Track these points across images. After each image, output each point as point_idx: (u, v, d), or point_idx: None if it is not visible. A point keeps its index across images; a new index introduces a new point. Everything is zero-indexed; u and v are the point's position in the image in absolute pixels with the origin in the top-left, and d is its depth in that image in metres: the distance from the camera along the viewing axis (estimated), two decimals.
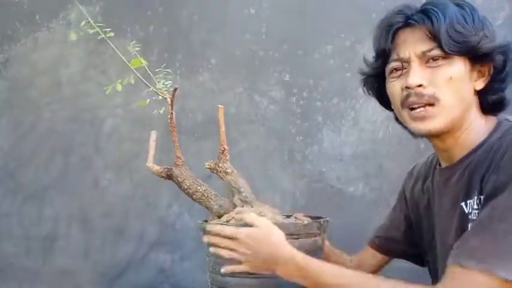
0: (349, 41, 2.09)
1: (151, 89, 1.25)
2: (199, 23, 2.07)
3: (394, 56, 1.03)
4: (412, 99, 0.99)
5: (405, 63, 1.01)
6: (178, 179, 1.32)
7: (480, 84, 1.00)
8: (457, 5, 1.00)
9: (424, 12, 0.99)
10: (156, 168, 1.34)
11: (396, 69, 1.03)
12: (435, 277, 1.13)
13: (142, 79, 1.24)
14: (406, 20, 1.01)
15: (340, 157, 2.08)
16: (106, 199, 2.12)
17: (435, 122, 0.98)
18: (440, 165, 1.10)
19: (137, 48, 1.18)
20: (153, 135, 1.38)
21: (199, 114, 2.09)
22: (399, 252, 1.32)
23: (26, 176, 2.14)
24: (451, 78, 0.97)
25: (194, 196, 1.30)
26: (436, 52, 0.97)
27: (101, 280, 2.11)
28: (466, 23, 0.97)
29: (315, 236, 1.16)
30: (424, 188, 1.17)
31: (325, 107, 2.09)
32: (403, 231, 1.29)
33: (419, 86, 0.98)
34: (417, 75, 0.98)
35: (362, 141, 2.08)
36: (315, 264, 1.01)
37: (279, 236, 1.05)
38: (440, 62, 0.97)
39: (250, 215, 1.10)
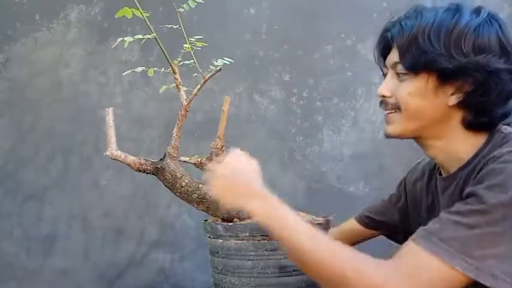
0: (350, 40, 2.09)
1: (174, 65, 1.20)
2: (199, 23, 2.07)
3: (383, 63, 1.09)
4: (382, 105, 1.06)
5: (385, 69, 1.06)
6: (177, 174, 1.20)
7: (453, 100, 0.97)
8: (447, 9, 0.98)
9: (399, 24, 1.01)
10: (132, 159, 1.19)
11: (384, 74, 1.08)
12: None
13: (170, 62, 1.23)
14: (385, 32, 1.05)
15: (340, 157, 2.08)
16: (106, 199, 2.12)
17: (393, 126, 1.04)
18: (441, 173, 1.11)
19: (147, 15, 1.15)
20: (110, 113, 1.22)
21: (199, 114, 2.09)
22: (389, 235, 1.36)
23: (26, 176, 2.14)
24: (409, 93, 0.99)
25: (193, 196, 1.22)
26: (399, 67, 1.00)
27: (100, 280, 2.11)
28: (438, 35, 0.95)
29: None
30: (429, 188, 1.17)
31: (325, 107, 2.09)
32: (399, 221, 1.30)
33: (383, 96, 1.04)
34: (385, 86, 1.04)
35: (362, 141, 2.08)
36: (291, 212, 0.96)
37: (257, 167, 1.01)
38: (403, 76, 1.00)
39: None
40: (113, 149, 1.20)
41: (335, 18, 2.11)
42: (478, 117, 0.98)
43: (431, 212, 1.13)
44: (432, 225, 0.90)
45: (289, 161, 2.09)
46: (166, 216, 2.11)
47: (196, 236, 2.09)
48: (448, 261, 0.85)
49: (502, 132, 0.99)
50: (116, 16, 1.15)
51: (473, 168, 0.97)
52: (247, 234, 1.15)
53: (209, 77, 1.23)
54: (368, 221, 1.36)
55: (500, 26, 0.99)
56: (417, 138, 1.05)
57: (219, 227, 1.19)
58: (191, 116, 2.12)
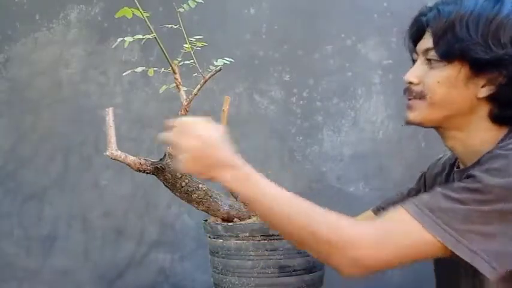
0: (350, 40, 2.09)
1: (176, 63, 1.19)
2: (199, 23, 2.07)
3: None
4: (407, 92, 1.03)
5: (415, 55, 1.03)
6: (177, 174, 1.19)
7: (483, 92, 0.95)
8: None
9: (436, 8, 0.97)
10: (132, 159, 1.19)
11: (413, 60, 1.05)
12: (441, 269, 1.14)
13: (169, 61, 1.23)
14: (418, 17, 1.02)
15: (340, 157, 2.08)
16: (106, 199, 2.12)
17: (415, 114, 1.01)
18: (458, 166, 1.10)
19: (147, 15, 1.15)
20: (110, 113, 1.22)
21: (199, 114, 2.08)
22: None
23: (26, 176, 2.14)
24: (438, 82, 0.97)
25: (194, 195, 1.21)
26: (432, 53, 0.97)
27: (100, 280, 2.11)
28: (477, 25, 0.92)
29: None
30: (447, 182, 1.14)
31: (325, 107, 2.09)
32: None
33: (410, 83, 1.01)
34: (412, 72, 1.01)
35: (362, 141, 2.08)
36: (263, 178, 0.95)
37: (224, 134, 0.98)
38: (434, 64, 0.98)
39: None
40: (113, 149, 1.20)
41: (335, 18, 2.11)
42: (505, 110, 0.96)
43: None
44: (423, 195, 0.92)
45: (289, 161, 2.09)
46: (166, 216, 2.11)
47: (196, 236, 2.08)
48: (428, 229, 0.86)
49: None
50: (116, 16, 1.15)
51: None
52: (247, 234, 1.15)
53: (209, 77, 1.23)
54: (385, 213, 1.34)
55: None
56: (438, 128, 1.03)
57: (219, 227, 1.19)
58: (191, 116, 2.12)
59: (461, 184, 0.89)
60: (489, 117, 0.98)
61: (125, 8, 1.13)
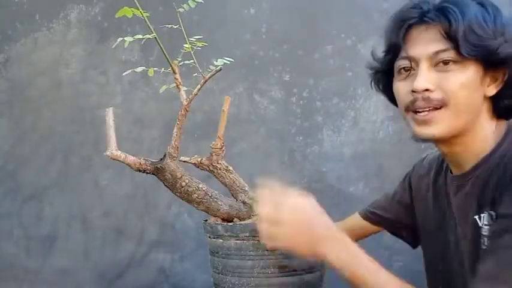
0: (350, 40, 2.09)
1: (178, 63, 1.19)
2: (199, 23, 2.07)
3: (403, 54, 0.96)
4: (419, 103, 0.94)
5: (414, 63, 0.95)
6: (177, 174, 1.19)
7: (492, 90, 0.94)
8: (479, 3, 0.93)
9: (442, 9, 0.92)
10: (132, 159, 1.18)
11: (404, 69, 0.97)
12: (432, 271, 1.14)
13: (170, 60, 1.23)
14: (422, 16, 0.94)
15: (340, 157, 2.08)
16: (106, 199, 2.12)
17: (440, 126, 0.93)
18: (451, 171, 1.06)
19: (147, 15, 1.15)
20: (110, 113, 1.21)
21: (199, 114, 2.09)
22: (394, 232, 1.33)
23: (26, 176, 2.14)
24: (462, 84, 0.91)
25: (194, 196, 1.20)
26: (449, 54, 0.91)
27: (100, 280, 2.11)
28: (487, 25, 0.90)
29: None
30: (436, 185, 1.13)
31: (325, 107, 2.09)
32: (404, 217, 1.28)
33: (427, 90, 0.92)
34: (425, 78, 0.92)
35: (362, 141, 2.08)
36: (358, 248, 0.94)
37: (316, 206, 0.98)
38: (451, 66, 0.92)
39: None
40: (112, 149, 1.19)
41: (335, 18, 2.11)
42: (507, 106, 0.96)
43: (442, 212, 1.10)
44: (489, 266, 0.87)
45: (289, 161, 2.09)
46: (166, 216, 2.11)
47: (196, 236, 2.09)
48: None
49: None
50: (116, 16, 1.15)
51: (497, 165, 0.93)
52: (247, 234, 1.15)
53: (209, 77, 1.22)
54: (373, 217, 1.33)
55: None
56: (451, 138, 0.96)
57: (219, 227, 1.19)
58: (191, 116, 2.12)
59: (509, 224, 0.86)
60: (493, 114, 0.97)
61: (125, 8, 1.13)
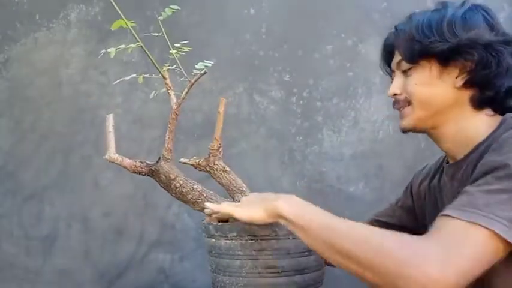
0: (350, 40, 2.09)
1: (165, 68, 1.21)
2: (198, 23, 2.07)
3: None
4: (395, 104, 1.13)
5: (393, 73, 1.15)
6: (170, 175, 1.23)
7: (459, 81, 1.03)
8: (436, 9, 1.06)
9: (395, 28, 1.11)
10: (128, 161, 1.25)
11: (391, 77, 1.16)
12: None
13: (156, 66, 1.23)
14: (392, 39, 1.13)
15: (340, 157, 2.08)
16: (106, 199, 2.12)
17: (407, 119, 1.10)
18: (448, 163, 1.13)
19: (133, 24, 1.16)
20: (110, 119, 1.30)
21: (198, 114, 2.09)
22: None
23: (26, 176, 2.14)
24: (416, 84, 1.07)
25: (189, 196, 1.23)
26: (403, 64, 1.08)
27: (100, 280, 2.11)
28: (431, 28, 1.03)
29: None
30: (430, 185, 1.20)
31: (325, 107, 2.09)
32: (408, 223, 1.30)
33: (395, 94, 1.11)
34: (393, 85, 1.12)
35: (362, 141, 2.08)
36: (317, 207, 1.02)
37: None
38: (409, 71, 1.08)
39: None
40: (111, 153, 1.26)
41: (335, 18, 2.11)
42: (483, 92, 1.03)
43: (435, 210, 1.12)
44: (461, 199, 0.90)
45: (289, 161, 2.09)
46: (166, 216, 2.11)
47: (196, 236, 2.09)
48: (487, 226, 0.84)
49: None
50: (112, 29, 1.15)
51: (485, 149, 0.97)
52: (235, 234, 1.15)
53: (195, 81, 1.24)
54: (378, 224, 1.34)
55: (484, 10, 1.06)
56: (431, 129, 1.09)
57: (210, 227, 1.20)
58: (191, 117, 2.12)
59: (494, 174, 0.89)
60: (471, 104, 1.05)
61: (120, 20, 1.14)
